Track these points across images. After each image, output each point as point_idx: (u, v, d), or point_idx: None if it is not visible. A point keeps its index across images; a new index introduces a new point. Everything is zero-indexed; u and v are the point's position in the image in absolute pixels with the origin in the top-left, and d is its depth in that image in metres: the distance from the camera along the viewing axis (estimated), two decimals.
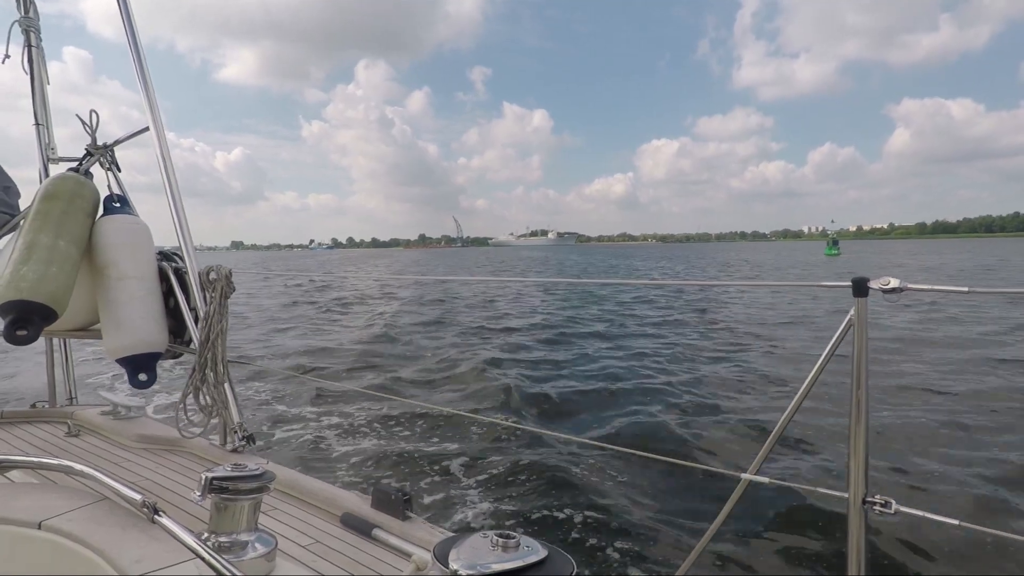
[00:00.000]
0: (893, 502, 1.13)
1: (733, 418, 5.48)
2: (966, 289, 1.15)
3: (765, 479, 1.30)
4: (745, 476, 1.30)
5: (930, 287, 1.16)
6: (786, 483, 1.43)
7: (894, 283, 1.12)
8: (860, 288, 1.14)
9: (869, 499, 1.15)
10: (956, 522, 1.11)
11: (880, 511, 1.13)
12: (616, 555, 3.14)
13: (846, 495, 1.16)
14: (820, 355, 1.22)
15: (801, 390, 1.25)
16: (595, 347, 9.32)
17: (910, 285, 1.12)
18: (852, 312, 1.16)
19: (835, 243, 58.27)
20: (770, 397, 6.25)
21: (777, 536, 3.31)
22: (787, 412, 1.27)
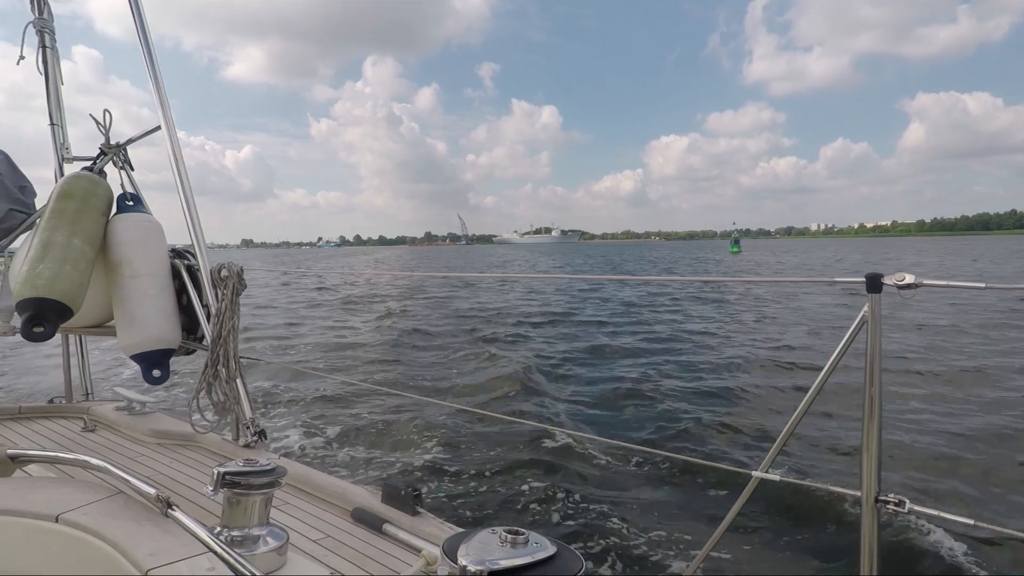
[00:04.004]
0: (907, 501, 1.11)
1: (744, 415, 5.45)
2: (983, 285, 1.13)
3: (776, 477, 1.29)
4: (756, 474, 1.29)
5: (946, 283, 1.14)
6: (798, 481, 1.42)
7: (909, 279, 1.11)
8: (874, 284, 1.13)
9: (882, 497, 1.13)
10: (971, 522, 1.10)
11: (893, 510, 1.12)
12: (626, 552, 3.14)
13: (859, 493, 1.15)
14: (832, 352, 1.21)
15: (813, 387, 1.24)
16: (603, 344, 9.30)
17: (925, 281, 1.10)
18: (865, 308, 1.14)
19: (737, 242, 67.56)
20: (782, 393, 6.20)
21: (788, 534, 3.28)
22: (799, 409, 1.26)
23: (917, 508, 1.11)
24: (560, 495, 3.79)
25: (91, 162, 2.33)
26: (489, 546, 0.84)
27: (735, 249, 63.86)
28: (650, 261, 52.03)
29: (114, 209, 2.15)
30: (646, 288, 18.07)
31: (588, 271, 36.60)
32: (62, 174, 2.57)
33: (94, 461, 1.06)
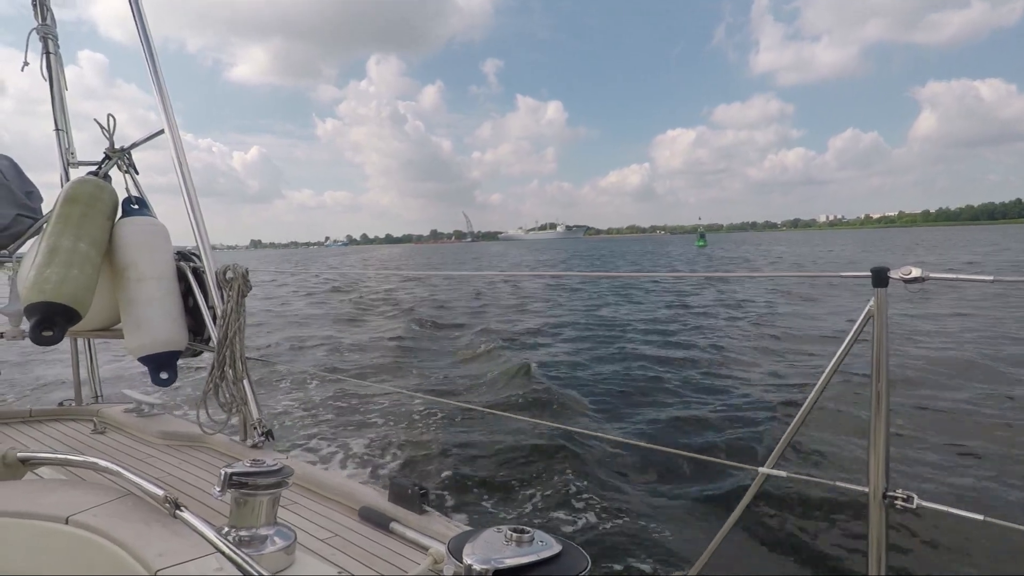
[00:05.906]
0: (915, 496, 1.11)
1: (750, 410, 5.43)
2: (991, 279, 1.12)
3: (783, 473, 1.29)
4: (762, 470, 1.29)
5: (954, 276, 1.14)
6: (804, 477, 1.41)
7: (915, 272, 1.10)
8: (880, 278, 1.12)
9: (890, 493, 1.13)
10: (981, 517, 1.09)
11: (902, 506, 1.11)
12: (631, 550, 3.13)
13: (866, 489, 1.14)
14: (839, 347, 1.20)
15: (820, 382, 1.23)
16: (609, 341, 9.29)
17: (932, 275, 1.10)
18: (871, 302, 1.13)
19: (703, 236, 71.68)
20: (788, 389, 6.17)
21: (795, 531, 3.27)
22: (806, 404, 1.25)
23: (926, 504, 1.10)
24: (565, 493, 3.79)
25: (96, 167, 2.35)
26: (495, 544, 0.85)
27: (701, 243, 66.87)
28: (620, 254, 53.85)
29: (119, 213, 2.17)
30: (644, 286, 18.01)
31: (571, 267, 36.80)
32: (68, 179, 2.59)
33: (103, 463, 1.07)
